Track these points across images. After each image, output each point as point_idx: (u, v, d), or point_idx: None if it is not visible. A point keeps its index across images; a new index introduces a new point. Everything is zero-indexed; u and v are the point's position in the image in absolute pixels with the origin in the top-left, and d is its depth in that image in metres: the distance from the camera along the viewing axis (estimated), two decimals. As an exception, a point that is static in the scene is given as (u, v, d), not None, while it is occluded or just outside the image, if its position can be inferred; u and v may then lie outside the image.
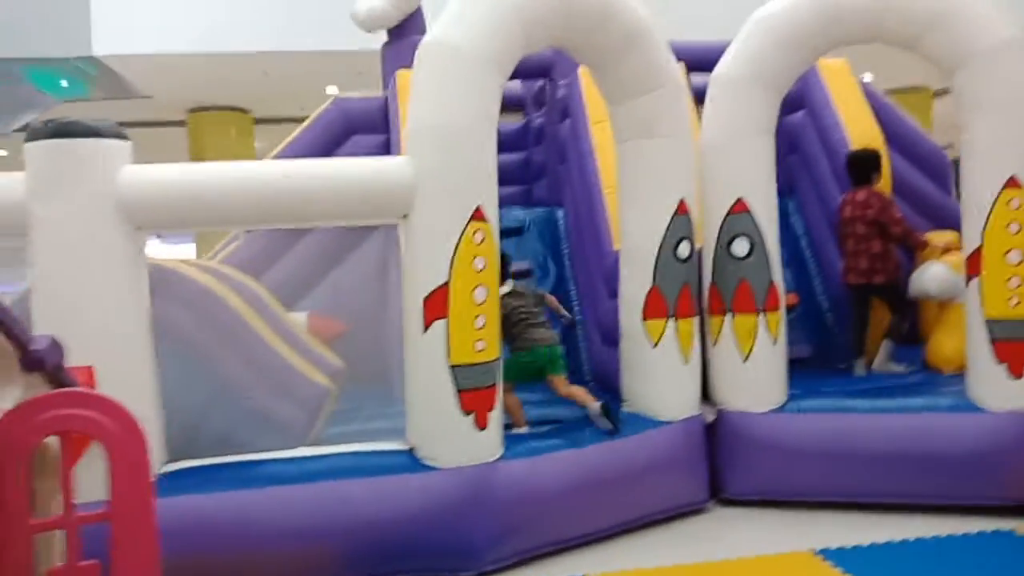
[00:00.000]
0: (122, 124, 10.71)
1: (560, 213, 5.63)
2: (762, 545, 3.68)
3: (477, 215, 3.29)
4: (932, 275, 4.65)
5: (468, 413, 3.32)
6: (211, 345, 3.42)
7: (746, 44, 4.08)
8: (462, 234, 3.26)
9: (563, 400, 4.10)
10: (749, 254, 4.07)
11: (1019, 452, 3.80)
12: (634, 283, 4.05)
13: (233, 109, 12.89)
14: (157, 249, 12.86)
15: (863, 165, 4.85)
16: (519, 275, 4.76)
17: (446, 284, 3.26)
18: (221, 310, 3.48)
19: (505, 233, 5.50)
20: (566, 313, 4.63)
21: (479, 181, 3.32)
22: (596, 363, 4.87)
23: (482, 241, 3.31)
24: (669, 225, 3.96)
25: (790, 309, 5.25)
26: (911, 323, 5.01)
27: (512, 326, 4.02)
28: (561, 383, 4.10)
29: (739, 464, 4.14)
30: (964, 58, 3.82)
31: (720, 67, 4.15)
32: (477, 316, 3.30)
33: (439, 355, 3.28)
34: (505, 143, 6.57)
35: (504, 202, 6.20)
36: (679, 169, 4.00)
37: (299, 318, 4.69)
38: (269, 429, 3.46)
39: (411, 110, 3.32)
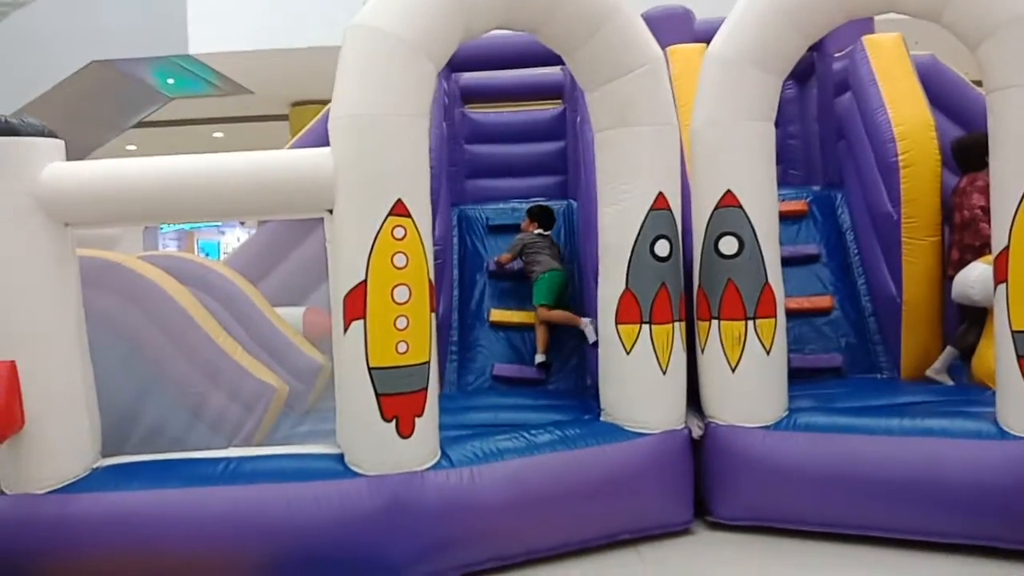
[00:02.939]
0: (229, 119, 11.19)
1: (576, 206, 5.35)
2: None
3: (398, 209, 3.10)
4: (976, 277, 4.05)
5: (390, 419, 3.15)
6: (152, 339, 3.44)
7: (741, 19, 3.66)
8: (380, 229, 3.08)
9: (528, 405, 3.86)
10: (737, 253, 3.66)
11: (1051, 489, 3.22)
12: (609, 284, 3.74)
13: (333, 102, 13.25)
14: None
15: (968, 152, 4.42)
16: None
17: (363, 283, 3.10)
18: (166, 305, 3.49)
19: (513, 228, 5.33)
20: None
21: (400, 174, 3.13)
22: (595, 364, 4.57)
23: (403, 237, 3.12)
24: (644, 221, 3.61)
25: (823, 313, 4.80)
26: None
27: (525, 256, 5.17)
28: (548, 313, 4.98)
29: (728, 484, 3.75)
30: (992, 26, 3.25)
31: (713, 45, 3.75)
32: (398, 316, 3.12)
33: (359, 357, 3.13)
34: (541, 132, 6.44)
35: (539, 194, 6.10)
36: (657, 159, 3.64)
37: (295, 312, 4.69)
38: (206, 425, 3.43)
39: (334, 98, 3.18)
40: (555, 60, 5.85)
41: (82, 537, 3.09)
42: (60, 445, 3.15)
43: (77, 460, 3.20)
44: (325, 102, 3.23)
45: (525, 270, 5.19)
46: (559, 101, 6.46)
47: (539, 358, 4.97)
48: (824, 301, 4.79)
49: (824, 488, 3.55)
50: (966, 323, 4.36)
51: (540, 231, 5.26)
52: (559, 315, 5.00)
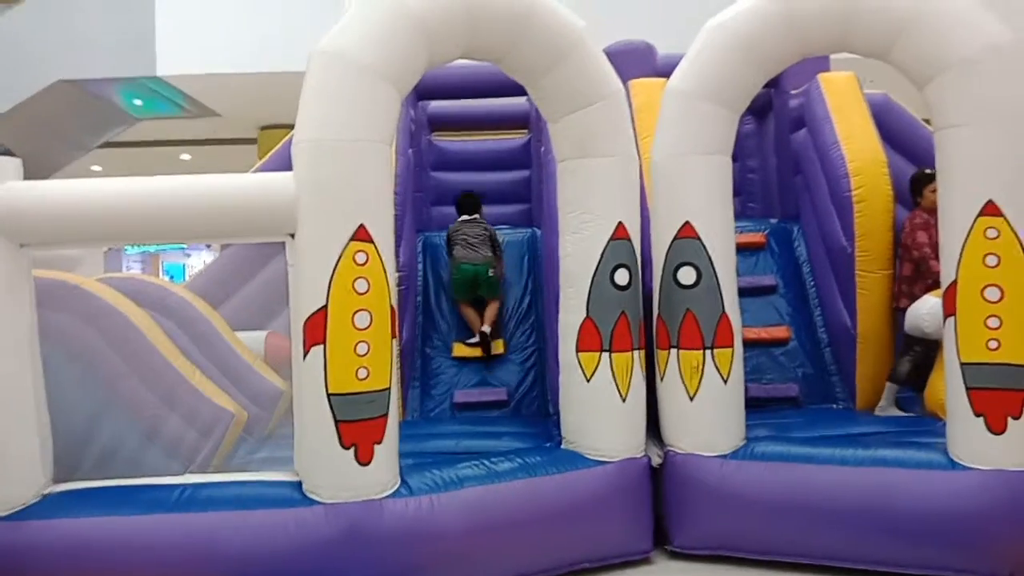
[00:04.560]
0: (197, 141, 11.12)
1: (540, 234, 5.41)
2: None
3: (360, 235, 3.11)
4: (927, 310, 4.16)
5: (349, 446, 3.14)
6: (107, 361, 3.39)
7: (699, 55, 3.75)
8: (341, 255, 3.09)
9: (490, 432, 3.87)
10: (696, 283, 3.72)
11: (998, 518, 3.29)
12: (570, 311, 3.77)
13: (303, 127, 13.23)
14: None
15: (912, 186, 4.66)
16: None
17: (324, 308, 3.10)
18: (123, 327, 3.45)
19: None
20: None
21: (363, 199, 3.15)
22: (557, 391, 4.60)
23: (365, 262, 3.13)
24: (604, 250, 3.66)
25: (780, 343, 4.88)
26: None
27: (451, 247, 5.31)
28: (489, 304, 5.18)
29: (686, 513, 3.77)
30: (938, 68, 3.37)
31: (672, 80, 3.84)
32: (358, 342, 3.12)
33: (318, 383, 3.12)
34: (507, 160, 6.51)
35: (504, 221, 6.14)
36: (618, 190, 3.70)
37: (256, 336, 4.66)
38: (162, 450, 3.39)
39: (297, 122, 3.20)
40: (522, 90, 5.96)
41: (32, 566, 3.03)
42: (10, 470, 3.10)
43: (27, 486, 3.14)
44: (294, 126, 3.25)
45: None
46: (525, 131, 6.53)
47: (476, 338, 5.15)
48: (781, 332, 4.88)
49: (781, 517, 3.59)
50: (899, 354, 4.48)
51: (464, 217, 5.42)
52: (470, 315, 5.21)
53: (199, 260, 19.77)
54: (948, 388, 3.48)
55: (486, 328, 5.11)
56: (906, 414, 4.46)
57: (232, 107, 12.11)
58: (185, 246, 19.29)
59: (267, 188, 3.21)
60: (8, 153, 3.12)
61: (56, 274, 3.50)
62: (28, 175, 3.25)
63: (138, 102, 11.75)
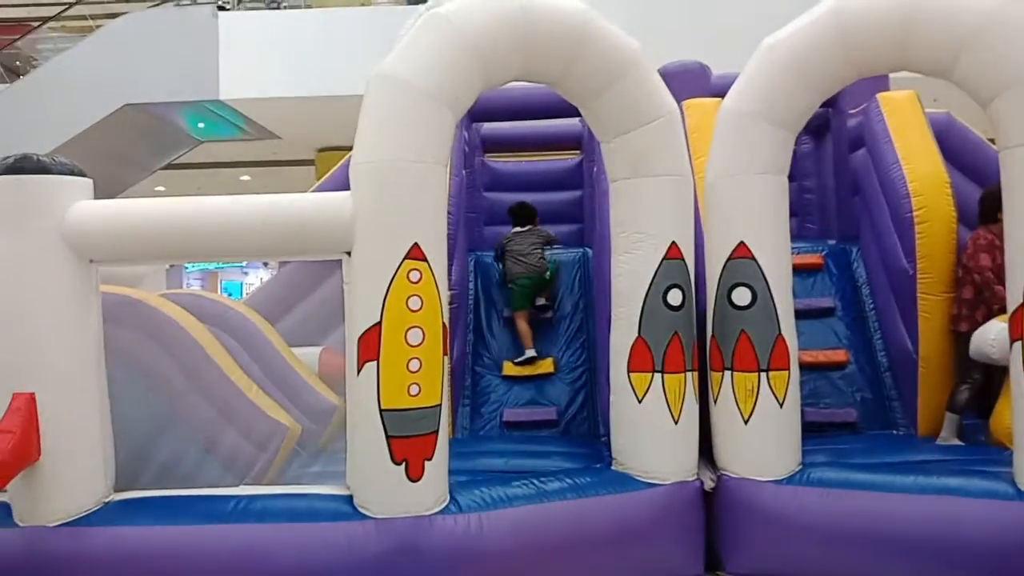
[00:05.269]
0: (256, 163, 11.45)
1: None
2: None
3: (414, 253, 3.16)
4: (994, 335, 4.02)
5: (400, 461, 3.17)
6: (168, 375, 3.48)
7: (753, 75, 3.73)
8: (396, 272, 3.13)
9: (539, 452, 3.86)
10: (750, 304, 3.67)
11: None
12: (621, 332, 3.75)
13: (358, 149, 13.50)
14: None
15: (986, 203, 4.37)
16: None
17: (378, 324, 3.14)
18: (183, 341, 3.54)
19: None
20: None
21: (417, 219, 3.19)
22: (607, 411, 4.56)
23: (419, 280, 3.17)
24: (657, 270, 3.64)
25: (838, 367, 4.78)
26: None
27: (503, 261, 5.49)
28: (519, 322, 5.30)
29: (739, 538, 3.70)
30: (1003, 85, 3.28)
31: (727, 100, 3.81)
32: (411, 359, 3.15)
33: (370, 398, 3.16)
34: (560, 181, 6.53)
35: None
36: (671, 210, 3.69)
37: (310, 352, 4.74)
38: (218, 463, 3.46)
39: (355, 144, 3.27)
40: (574, 111, 6.00)
41: (91, 571, 3.11)
42: (73, 478, 3.19)
43: (89, 494, 3.23)
44: (350, 148, 3.33)
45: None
46: (577, 151, 6.56)
47: (528, 353, 5.21)
48: (839, 355, 4.77)
49: (837, 545, 3.49)
50: (956, 383, 4.33)
51: (516, 229, 5.55)
52: (524, 329, 5.28)
53: (256, 278, 20.23)
54: (1015, 416, 3.36)
55: (532, 352, 5.23)
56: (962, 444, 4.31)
57: (291, 130, 12.43)
58: (243, 264, 19.75)
59: (325, 208, 3.28)
60: (80, 174, 3.24)
61: (120, 290, 3.61)
62: (97, 195, 3.39)
63: (201, 125, 12.14)
